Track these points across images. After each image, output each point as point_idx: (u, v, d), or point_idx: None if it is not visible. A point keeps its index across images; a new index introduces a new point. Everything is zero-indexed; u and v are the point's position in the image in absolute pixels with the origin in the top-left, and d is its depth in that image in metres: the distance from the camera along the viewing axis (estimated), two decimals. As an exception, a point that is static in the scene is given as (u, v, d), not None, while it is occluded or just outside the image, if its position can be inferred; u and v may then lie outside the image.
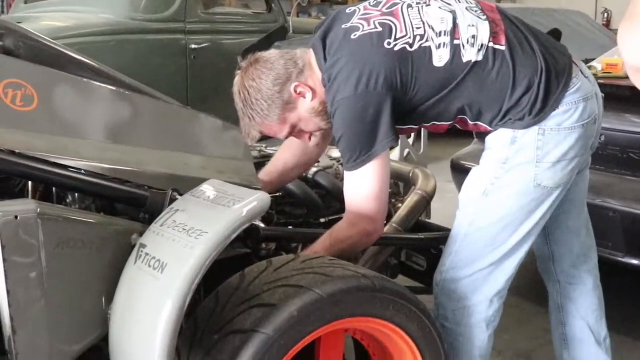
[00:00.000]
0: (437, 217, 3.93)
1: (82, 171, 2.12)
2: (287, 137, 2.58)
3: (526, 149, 2.37)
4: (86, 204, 2.29)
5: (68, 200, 2.31)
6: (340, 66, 2.32)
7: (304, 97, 2.43)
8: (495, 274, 2.50)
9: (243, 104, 2.47)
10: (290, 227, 2.81)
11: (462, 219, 2.51)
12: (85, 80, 2.39)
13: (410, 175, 3.10)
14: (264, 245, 2.60)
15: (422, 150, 3.48)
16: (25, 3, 5.92)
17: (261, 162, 3.00)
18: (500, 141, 2.41)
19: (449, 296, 2.54)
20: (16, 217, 1.81)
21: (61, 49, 2.56)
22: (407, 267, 3.10)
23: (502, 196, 2.42)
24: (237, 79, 2.50)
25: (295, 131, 2.53)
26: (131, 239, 2.03)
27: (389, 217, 2.93)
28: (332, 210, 2.94)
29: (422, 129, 3.03)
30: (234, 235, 1.83)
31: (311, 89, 2.43)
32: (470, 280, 2.51)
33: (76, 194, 2.28)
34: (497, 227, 2.45)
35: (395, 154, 3.50)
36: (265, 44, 3.82)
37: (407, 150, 3.43)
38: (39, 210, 1.84)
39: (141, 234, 2.01)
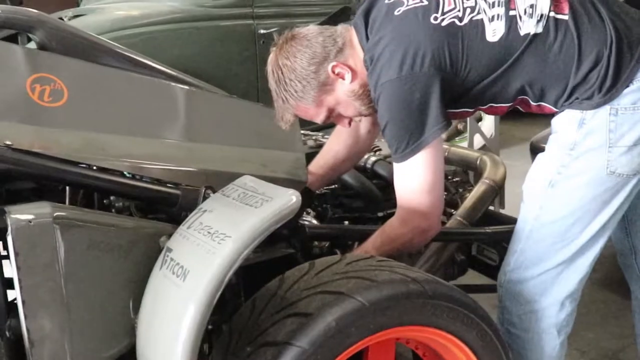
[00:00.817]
0: (519, 202, 3.67)
1: (108, 170, 1.99)
2: (325, 122, 2.36)
3: (596, 132, 2.11)
4: (124, 205, 2.15)
5: (106, 202, 2.18)
6: (382, 46, 2.11)
7: (343, 79, 2.22)
8: (565, 274, 2.25)
9: (276, 84, 2.26)
10: (346, 223, 2.61)
11: (526, 213, 2.27)
12: (119, 71, 2.28)
13: (478, 162, 2.87)
14: (316, 244, 2.42)
15: (493, 134, 3.22)
16: (95, -5, 5.86)
17: (316, 151, 2.81)
18: (567, 124, 2.15)
19: (515, 299, 2.31)
20: (30, 221, 1.68)
21: (97, 40, 2.44)
22: (479, 261, 2.87)
23: (571, 186, 2.16)
24: (271, 57, 2.28)
25: (333, 115, 2.32)
26: (159, 242, 1.87)
27: (456, 208, 2.72)
28: (392, 202, 2.72)
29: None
30: (261, 238, 1.66)
31: (351, 69, 2.21)
32: (538, 281, 2.26)
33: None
34: (566, 221, 2.19)
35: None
36: (329, 24, 3.60)
37: (477, 135, 3.18)
38: (55, 214, 1.72)
39: (170, 236, 1.85)
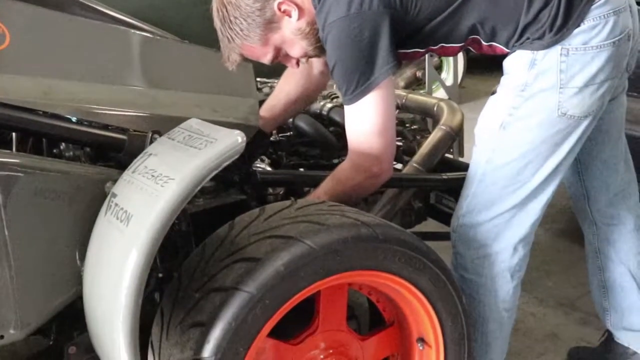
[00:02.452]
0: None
1: (54, 115, 1.93)
2: (272, 63, 2.28)
3: (547, 73, 2.06)
4: (74, 154, 2.10)
5: (55, 151, 2.13)
6: None
7: (289, 16, 2.14)
8: (518, 218, 2.22)
9: (221, 23, 2.20)
10: (302, 170, 2.57)
11: (478, 157, 2.23)
12: (67, 15, 2.20)
13: (435, 108, 2.83)
14: (270, 191, 2.38)
15: (452, 82, 3.18)
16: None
17: (273, 98, 2.77)
18: (518, 65, 2.11)
19: (468, 244, 2.28)
20: (-31, 168, 1.63)
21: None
22: (437, 209, 2.85)
23: (522, 128, 2.13)
24: None
25: (280, 55, 2.25)
26: (105, 188, 1.83)
27: (412, 155, 2.69)
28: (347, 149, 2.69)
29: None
30: (204, 181, 1.61)
31: (297, 6, 2.14)
32: (490, 225, 2.23)
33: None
34: (518, 164, 2.16)
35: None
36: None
37: (437, 88, 3.14)
38: (-6, 160, 1.66)
39: (116, 182, 1.81)
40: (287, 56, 2.26)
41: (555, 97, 2.07)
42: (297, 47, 2.21)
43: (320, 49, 2.16)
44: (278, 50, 2.22)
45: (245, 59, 2.24)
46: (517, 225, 2.23)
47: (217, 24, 2.21)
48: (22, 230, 1.71)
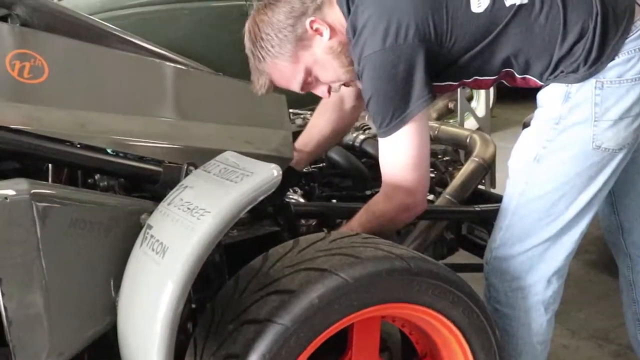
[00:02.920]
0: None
1: (90, 147, 1.96)
2: (303, 90, 2.28)
3: (582, 106, 2.07)
4: (109, 184, 2.13)
5: (90, 181, 2.16)
6: (366, 17, 2.06)
7: (321, 35, 2.16)
8: (552, 251, 2.22)
9: (252, 43, 2.22)
10: (334, 201, 2.58)
11: (512, 189, 2.23)
12: (102, 48, 2.24)
13: (468, 140, 2.83)
14: (303, 222, 2.39)
15: (484, 113, 3.18)
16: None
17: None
18: (552, 98, 2.11)
19: (501, 276, 2.28)
20: (6, 198, 1.65)
21: (80, 17, 2.40)
22: (469, 240, 2.85)
23: (556, 161, 2.13)
24: (248, 19, 2.24)
25: (310, 78, 2.24)
26: (140, 219, 1.84)
27: (445, 187, 2.69)
28: (380, 181, 2.68)
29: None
30: (242, 213, 1.62)
31: (329, 26, 2.16)
32: (524, 257, 2.23)
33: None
34: (552, 197, 2.16)
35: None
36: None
37: (470, 119, 3.14)
38: (32, 191, 1.68)
39: (151, 214, 1.82)
40: (318, 82, 2.26)
41: (590, 130, 2.07)
42: (329, 69, 2.21)
43: (351, 73, 2.17)
44: (309, 73, 2.22)
45: (275, 87, 2.25)
46: (551, 258, 2.22)
47: (247, 45, 2.24)
48: (58, 260, 1.72)
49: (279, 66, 2.19)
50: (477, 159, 2.69)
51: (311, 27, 2.14)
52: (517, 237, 2.22)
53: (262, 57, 2.19)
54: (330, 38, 2.16)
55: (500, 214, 2.27)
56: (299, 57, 2.18)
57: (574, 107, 2.07)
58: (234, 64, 4.99)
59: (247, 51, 2.24)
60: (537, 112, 2.17)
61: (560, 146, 2.11)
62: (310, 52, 2.18)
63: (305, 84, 2.25)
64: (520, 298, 2.26)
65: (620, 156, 2.13)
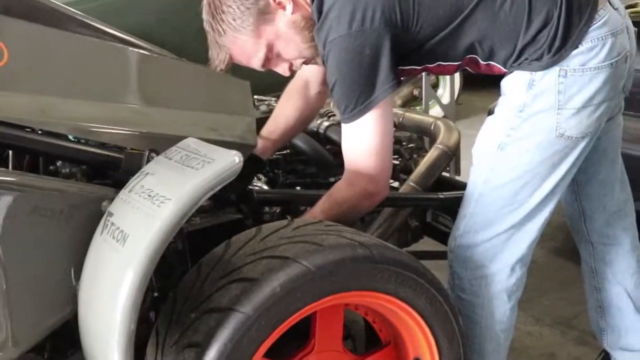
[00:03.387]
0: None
1: (50, 133, 1.93)
2: (263, 66, 2.25)
3: (545, 94, 2.07)
4: (71, 171, 2.10)
5: (52, 168, 2.13)
6: (331, 1, 2.05)
7: (284, 9, 2.14)
8: (515, 238, 2.23)
9: (212, 16, 2.18)
10: (298, 188, 2.57)
11: (476, 177, 2.23)
12: (64, 32, 2.20)
13: (432, 127, 2.83)
14: (267, 209, 2.38)
15: (449, 100, 3.18)
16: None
17: (269, 116, 2.76)
18: (516, 85, 2.12)
19: (465, 264, 2.28)
20: (-38, 185, 1.63)
21: (43, 1, 2.36)
22: (433, 228, 2.85)
23: (519, 149, 2.13)
24: None
25: (271, 54, 2.22)
26: (102, 207, 1.82)
27: (409, 173, 2.69)
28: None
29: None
30: (202, 200, 1.61)
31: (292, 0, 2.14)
32: (488, 245, 2.24)
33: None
34: (515, 185, 2.16)
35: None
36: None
37: (436, 107, 3.14)
38: (-10, 177, 1.65)
39: (112, 201, 1.80)
40: (280, 58, 2.23)
41: (554, 118, 2.08)
42: (291, 45, 2.18)
43: (314, 49, 2.15)
44: (270, 49, 2.19)
45: (234, 64, 2.22)
46: (515, 245, 2.23)
47: (206, 19, 2.21)
48: (18, 247, 1.70)
49: (240, 41, 2.16)
50: (441, 146, 2.69)
51: (274, 1, 2.12)
52: (481, 225, 2.22)
53: (223, 30, 2.16)
54: (294, 12, 2.13)
55: (464, 201, 2.28)
56: (260, 32, 2.15)
57: (538, 95, 2.07)
58: (200, 50, 5.00)
59: (206, 25, 2.22)
60: (500, 100, 2.17)
61: (524, 134, 2.11)
62: (272, 26, 2.15)
63: (267, 60, 2.22)
64: (484, 286, 2.26)
65: (582, 144, 2.14)
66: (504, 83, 2.15)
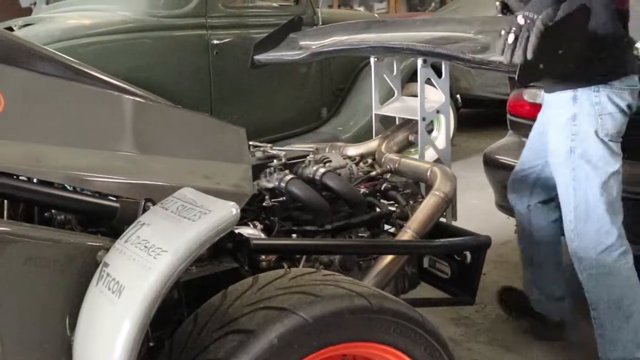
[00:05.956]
0: (473, 213, 3.63)
1: (46, 183, 1.92)
2: None
3: None
4: (65, 218, 2.09)
5: (47, 215, 2.12)
6: None
7: None
8: (613, 210, 2.78)
9: None
10: (294, 236, 2.55)
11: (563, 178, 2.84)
12: (60, 80, 2.21)
13: (429, 174, 2.83)
14: (263, 257, 2.36)
15: (444, 145, 3.18)
16: (47, 4, 5.76)
17: (265, 163, 2.76)
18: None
19: (586, 246, 2.79)
20: (-46, 235, 1.62)
21: (38, 49, 2.37)
22: (430, 274, 2.84)
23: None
24: None
25: None
26: (97, 257, 1.80)
27: (406, 220, 2.68)
28: (341, 215, 2.68)
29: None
30: (198, 252, 1.60)
31: None
32: (598, 225, 2.77)
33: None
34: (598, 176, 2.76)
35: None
36: (279, 35, 3.57)
37: (428, 147, 3.14)
38: (-18, 228, 1.64)
39: (108, 251, 1.79)
40: None
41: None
42: None
43: None
44: None
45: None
46: (615, 215, 2.78)
47: None
48: (11, 297, 1.69)
49: None
50: (438, 193, 2.68)
51: None
52: (587, 211, 2.78)
53: None
54: None
55: (562, 199, 2.85)
56: None
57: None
58: (194, 94, 5.04)
59: None
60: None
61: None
62: None
63: None
64: (607, 256, 2.78)
65: None
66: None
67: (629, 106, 2.73)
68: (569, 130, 2.75)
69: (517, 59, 2.21)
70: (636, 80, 2.77)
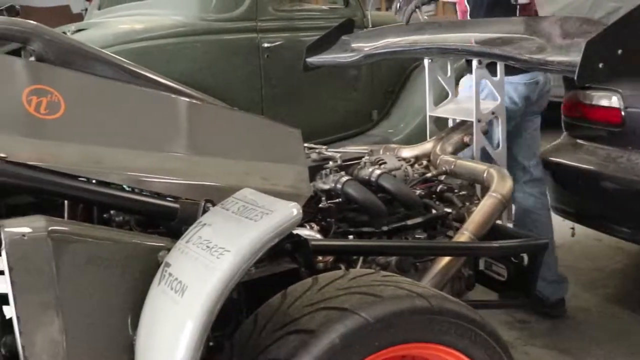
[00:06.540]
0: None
1: (107, 183, 1.95)
2: None
3: None
4: (124, 219, 2.11)
5: (106, 216, 2.14)
6: None
7: None
8: None
9: None
10: (350, 237, 2.55)
11: None
12: (118, 83, 2.23)
13: (485, 175, 2.80)
14: (320, 258, 2.36)
15: (500, 147, 3.16)
16: (99, 9, 5.83)
17: (320, 164, 2.76)
18: None
19: None
20: (24, 235, 1.64)
21: (95, 52, 2.39)
22: (486, 276, 2.81)
23: None
24: None
25: None
26: (158, 257, 1.82)
27: (462, 222, 2.66)
28: (397, 216, 2.66)
29: None
30: (261, 253, 1.60)
31: None
32: None
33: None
34: None
35: (467, 152, 3.21)
36: (331, 38, 3.57)
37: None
38: (49, 228, 1.67)
39: (169, 251, 1.80)
40: None
41: None
42: None
43: None
44: None
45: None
46: None
47: None
48: (75, 297, 1.71)
49: None
50: (495, 194, 2.66)
51: None
52: None
53: None
54: None
55: None
56: None
57: None
58: (245, 97, 5.05)
59: None
60: None
61: None
62: None
63: None
64: None
65: None
66: None
67: None
68: None
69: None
70: None
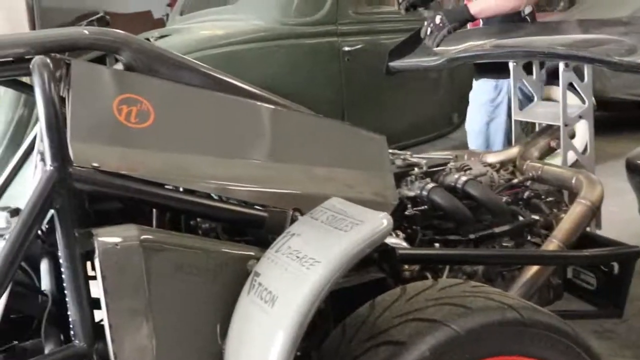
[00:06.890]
0: (613, 221, 3.51)
1: (195, 192, 1.96)
2: None
3: None
4: (211, 227, 2.13)
5: (193, 223, 2.16)
6: None
7: None
8: None
9: None
10: (437, 245, 2.52)
11: None
12: (205, 91, 2.25)
13: (573, 181, 2.74)
14: (406, 267, 2.34)
15: (588, 152, 3.09)
16: (181, 14, 5.93)
17: (405, 171, 2.74)
18: None
19: None
20: (117, 245, 1.67)
21: (182, 60, 2.42)
22: (575, 285, 2.75)
23: None
24: None
25: None
26: (247, 266, 1.83)
27: (550, 229, 2.61)
28: (483, 224, 2.63)
29: None
30: (351, 265, 1.60)
31: None
32: None
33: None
34: None
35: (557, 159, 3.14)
36: (413, 41, 3.55)
37: (570, 154, 3.06)
38: (141, 237, 1.70)
39: (258, 260, 1.81)
40: None
41: None
42: None
43: None
44: None
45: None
46: None
47: None
48: (166, 305, 1.73)
49: None
50: (584, 201, 2.60)
51: None
52: None
53: None
54: None
55: None
56: None
57: None
58: (326, 101, 5.06)
59: None
60: None
61: None
62: None
63: None
64: None
65: None
66: None
67: None
68: None
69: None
70: None
